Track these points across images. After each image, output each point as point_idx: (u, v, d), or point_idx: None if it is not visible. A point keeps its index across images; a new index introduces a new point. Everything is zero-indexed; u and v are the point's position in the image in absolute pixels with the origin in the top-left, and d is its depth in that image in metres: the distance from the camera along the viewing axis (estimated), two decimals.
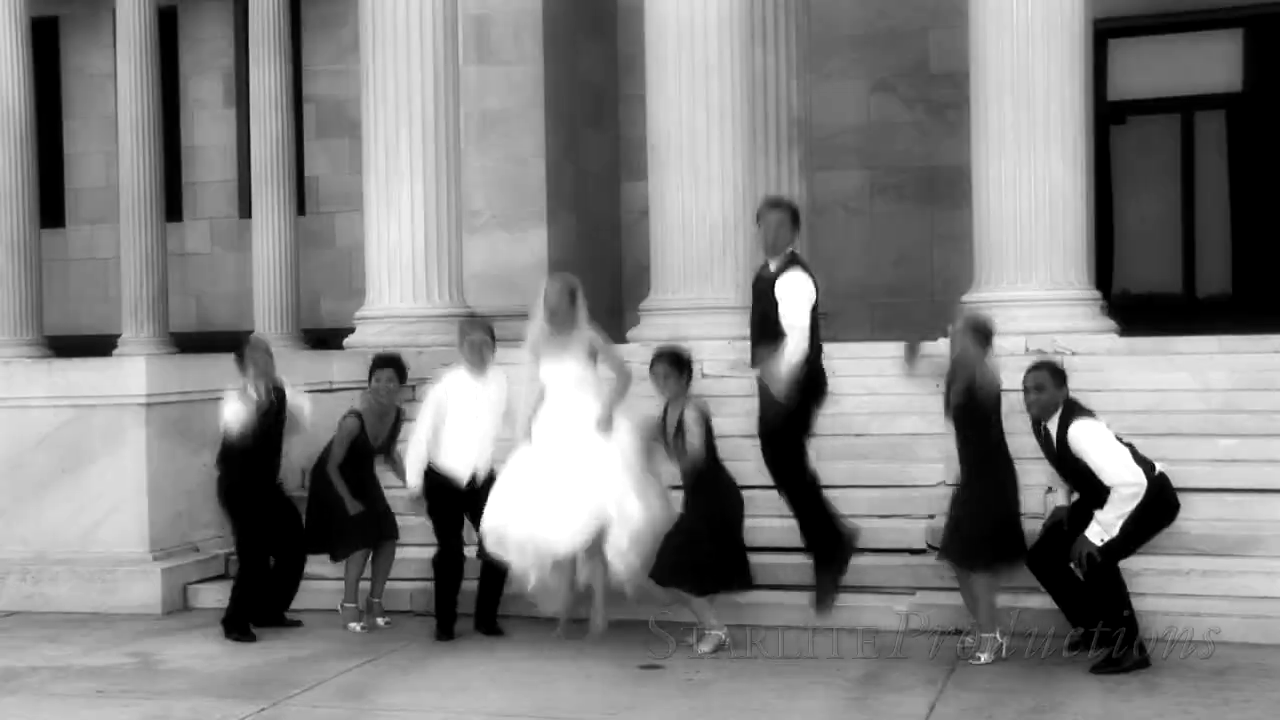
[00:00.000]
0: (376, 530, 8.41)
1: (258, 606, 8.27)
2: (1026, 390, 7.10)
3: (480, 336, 8.20)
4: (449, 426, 8.05)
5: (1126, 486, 6.87)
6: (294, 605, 8.56)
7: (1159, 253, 15.41)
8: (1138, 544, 7.04)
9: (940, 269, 14.84)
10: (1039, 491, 8.31)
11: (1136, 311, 13.28)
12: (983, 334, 7.23)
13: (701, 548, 7.47)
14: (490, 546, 7.79)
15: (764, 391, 7.55)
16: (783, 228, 7.59)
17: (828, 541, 7.61)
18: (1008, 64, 10.63)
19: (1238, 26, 15.84)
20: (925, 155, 15.65)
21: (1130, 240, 15.63)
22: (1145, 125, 16.11)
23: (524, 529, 7.62)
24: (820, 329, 7.62)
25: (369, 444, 8.43)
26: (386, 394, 8.45)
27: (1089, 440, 6.95)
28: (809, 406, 7.53)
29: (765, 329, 7.53)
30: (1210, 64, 15.92)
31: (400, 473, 8.43)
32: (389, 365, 8.51)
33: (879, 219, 15.88)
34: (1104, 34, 14.54)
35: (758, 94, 12.81)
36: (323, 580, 8.68)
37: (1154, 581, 7.58)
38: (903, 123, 15.87)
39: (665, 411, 7.70)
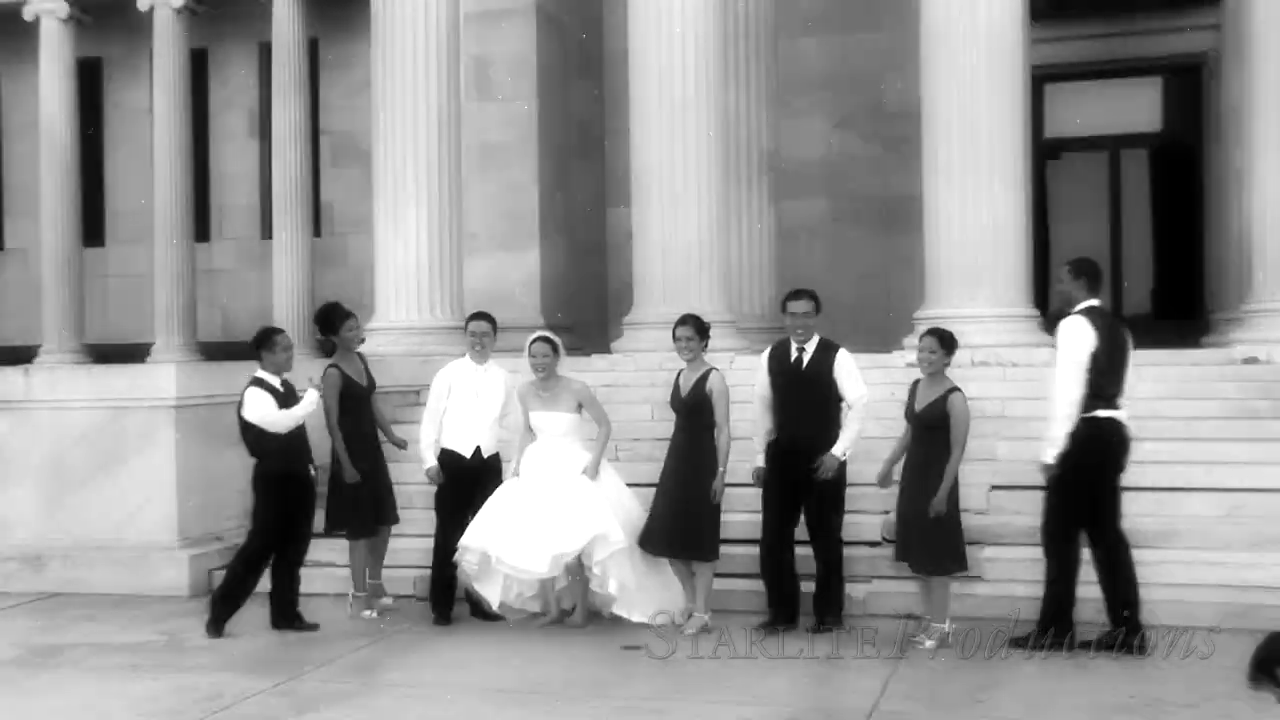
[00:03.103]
0: (380, 513, 8.15)
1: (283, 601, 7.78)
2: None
3: (482, 326, 8.12)
4: (452, 409, 7.98)
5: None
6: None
7: None
8: None
9: (895, 288, 14.82)
10: (981, 490, 8.31)
11: None
12: (949, 348, 7.23)
13: (714, 518, 7.47)
14: (467, 567, 7.68)
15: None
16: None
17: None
18: (955, 105, 10.67)
19: (1158, 74, 15.96)
20: (881, 185, 15.64)
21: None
22: (1077, 161, 16.19)
23: (505, 557, 7.50)
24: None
25: (359, 386, 8.14)
26: (355, 340, 8.30)
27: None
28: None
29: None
30: (1134, 106, 16.02)
31: (394, 439, 8.37)
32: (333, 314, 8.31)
33: (840, 243, 15.87)
34: (1041, 79, 14.61)
35: (730, 129, 12.81)
36: (332, 567, 8.62)
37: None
38: (861, 156, 15.87)
39: (679, 376, 7.68)
